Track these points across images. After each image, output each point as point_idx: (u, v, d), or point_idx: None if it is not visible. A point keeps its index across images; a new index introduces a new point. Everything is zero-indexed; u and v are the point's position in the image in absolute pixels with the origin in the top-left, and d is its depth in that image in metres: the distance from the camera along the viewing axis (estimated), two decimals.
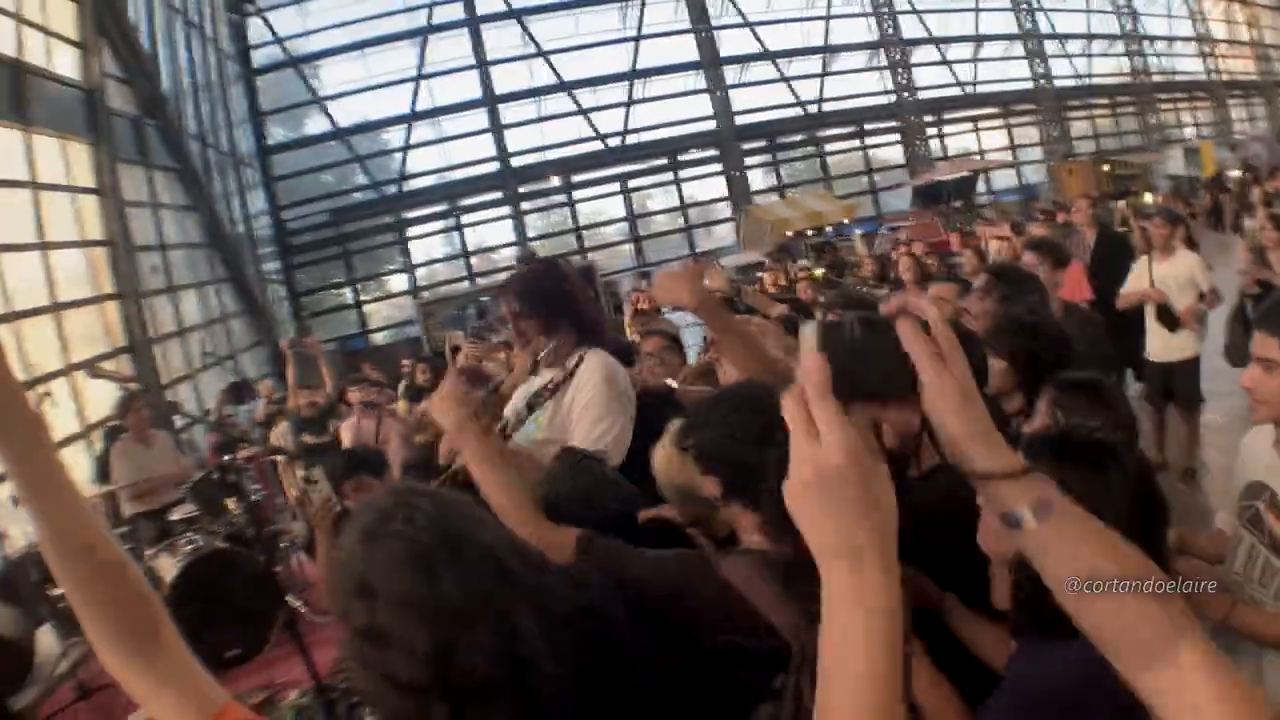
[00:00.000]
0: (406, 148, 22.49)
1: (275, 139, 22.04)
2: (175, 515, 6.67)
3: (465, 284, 22.57)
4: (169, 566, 5.94)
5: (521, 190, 23.08)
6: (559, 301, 3.00)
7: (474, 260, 23.54)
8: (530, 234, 23.38)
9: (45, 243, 10.49)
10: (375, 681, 1.36)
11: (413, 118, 22.26)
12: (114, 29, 12.77)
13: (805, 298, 8.33)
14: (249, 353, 16.36)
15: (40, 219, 10.46)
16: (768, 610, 1.76)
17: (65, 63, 11.80)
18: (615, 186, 24.34)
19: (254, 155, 20.74)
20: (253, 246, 18.64)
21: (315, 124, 22.44)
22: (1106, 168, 24.10)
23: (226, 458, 6.87)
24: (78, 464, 8.98)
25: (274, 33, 21.46)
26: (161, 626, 1.26)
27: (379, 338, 22.72)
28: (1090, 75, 28.63)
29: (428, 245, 23.90)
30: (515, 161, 23.00)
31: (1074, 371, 2.50)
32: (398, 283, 23.82)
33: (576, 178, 23.74)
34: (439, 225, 23.56)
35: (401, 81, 22.08)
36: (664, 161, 24.58)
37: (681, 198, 25.07)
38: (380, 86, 22.11)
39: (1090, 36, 28.49)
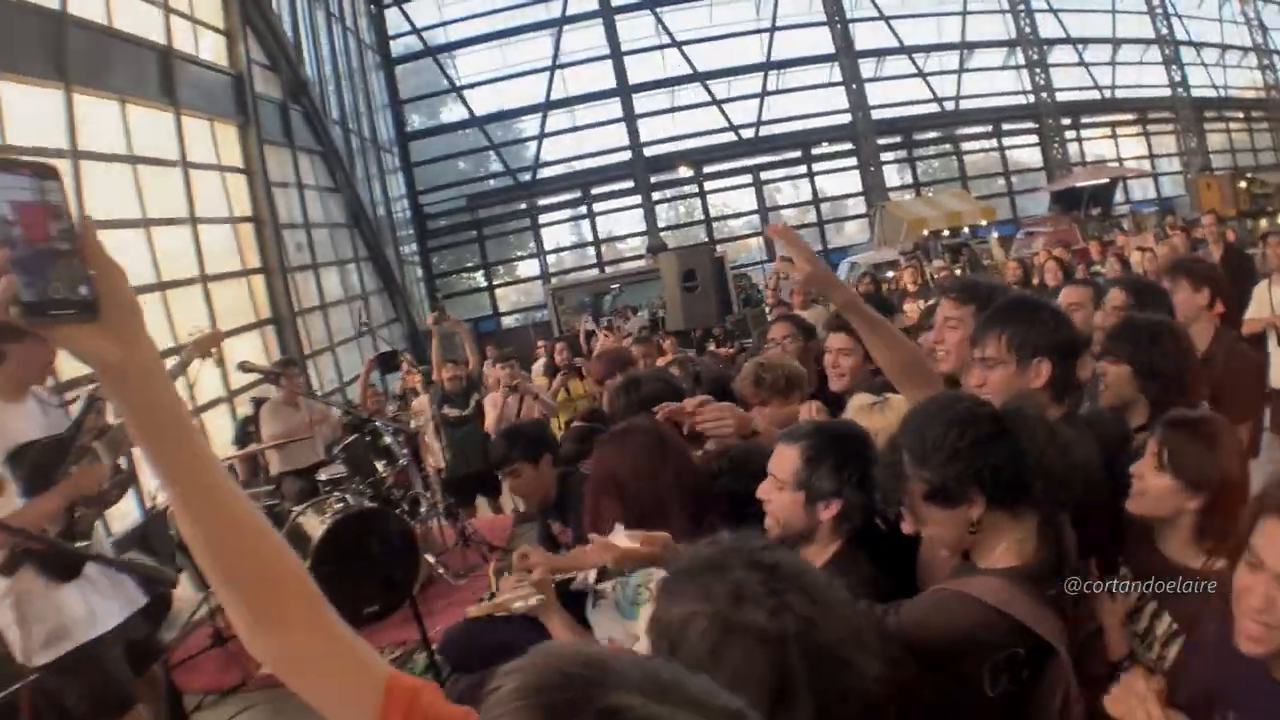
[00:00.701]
0: (541, 136, 22.75)
1: (414, 126, 22.55)
2: (323, 475, 6.81)
3: (594, 271, 22.72)
4: (317, 524, 6.05)
5: (653, 180, 23.01)
6: None
7: (604, 248, 23.63)
8: (660, 224, 23.33)
9: (195, 218, 10.89)
10: None
11: (547, 107, 22.48)
12: (258, 19, 13.23)
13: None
14: (385, 329, 16.76)
15: (190, 196, 10.86)
16: (1032, 621, 1.80)
17: (212, 50, 12.28)
18: (747, 178, 24.05)
19: (393, 141, 21.28)
20: (392, 229, 19.13)
21: (452, 112, 22.87)
22: (1244, 184, 22.57)
23: (379, 422, 7.21)
24: (220, 427, 9.43)
25: (411, 23, 21.98)
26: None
27: (508, 321, 23.09)
28: (1226, 86, 26.83)
29: (558, 232, 24.12)
30: (647, 151, 22.93)
31: (1186, 411, 2.30)
32: (527, 268, 24.11)
33: (708, 168, 23.58)
34: (570, 213, 23.71)
35: (536, 71, 22.34)
36: (797, 154, 24.17)
37: (814, 191, 24.63)
38: (515, 76, 22.41)
39: (1224, 47, 26.67)
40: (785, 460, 2.25)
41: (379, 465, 7.13)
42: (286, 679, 1.19)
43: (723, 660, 1.19)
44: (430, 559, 6.83)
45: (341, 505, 6.25)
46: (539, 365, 10.36)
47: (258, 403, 7.72)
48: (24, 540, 2.92)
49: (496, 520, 8.45)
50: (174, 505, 1.09)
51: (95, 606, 3.35)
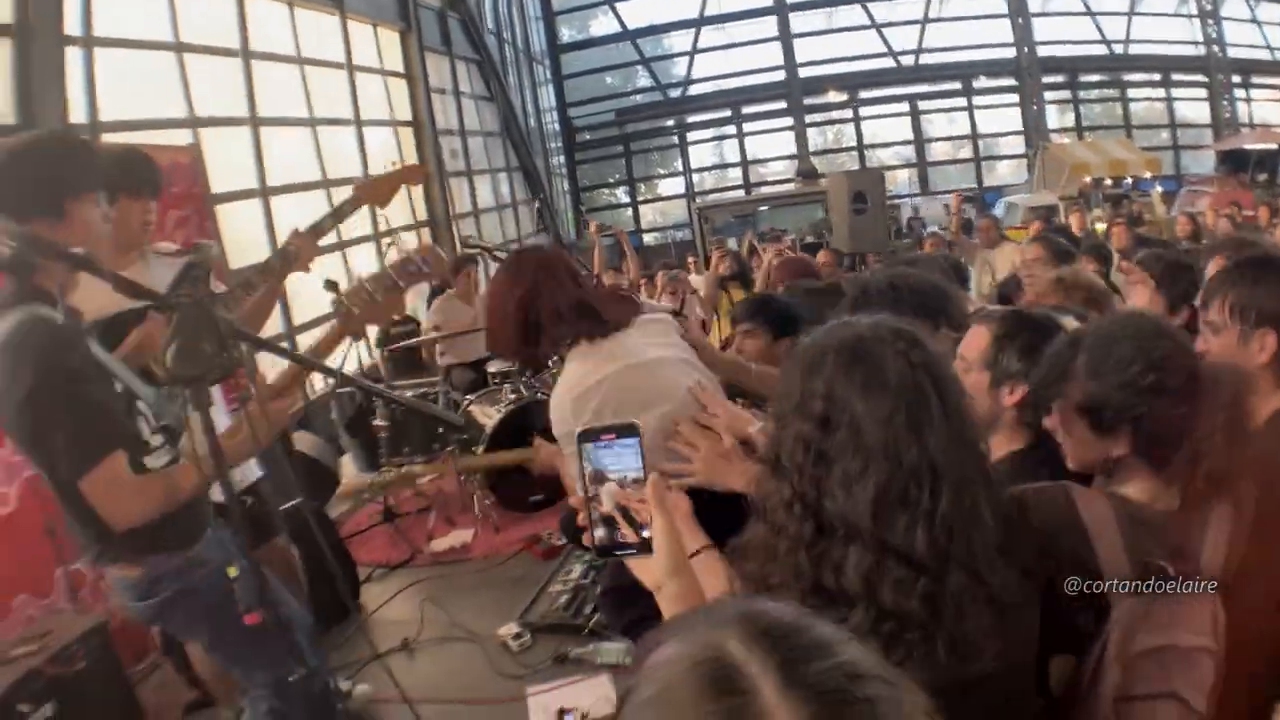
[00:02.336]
0: (693, 52, 21.96)
1: (565, 38, 22.04)
2: (492, 368, 6.74)
3: (739, 193, 22.03)
4: (490, 413, 6.00)
5: (805, 103, 22.01)
6: None
7: (751, 170, 22.84)
8: (810, 148, 22.36)
9: (359, 120, 10.85)
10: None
11: (700, 22, 21.64)
12: None
13: (1120, 246, 7.59)
14: (532, 239, 16.59)
15: (355, 98, 10.83)
16: (1106, 556, 1.57)
17: None
18: (903, 107, 22.77)
19: (545, 53, 20.89)
20: (542, 140, 18.86)
21: (603, 25, 22.26)
22: None
23: None
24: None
25: None
26: None
27: (649, 238, 22.64)
28: None
29: (702, 150, 23.42)
30: (801, 73, 21.89)
31: None
32: (669, 186, 23.57)
33: (863, 94, 22.41)
34: (718, 132, 22.96)
35: None
36: (956, 86, 22.71)
37: (972, 126, 23.16)
38: None
39: None
40: (975, 339, 2.18)
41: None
42: None
43: None
44: None
45: (515, 396, 6.15)
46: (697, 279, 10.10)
47: (436, 292, 7.79)
48: None
49: None
50: None
51: None
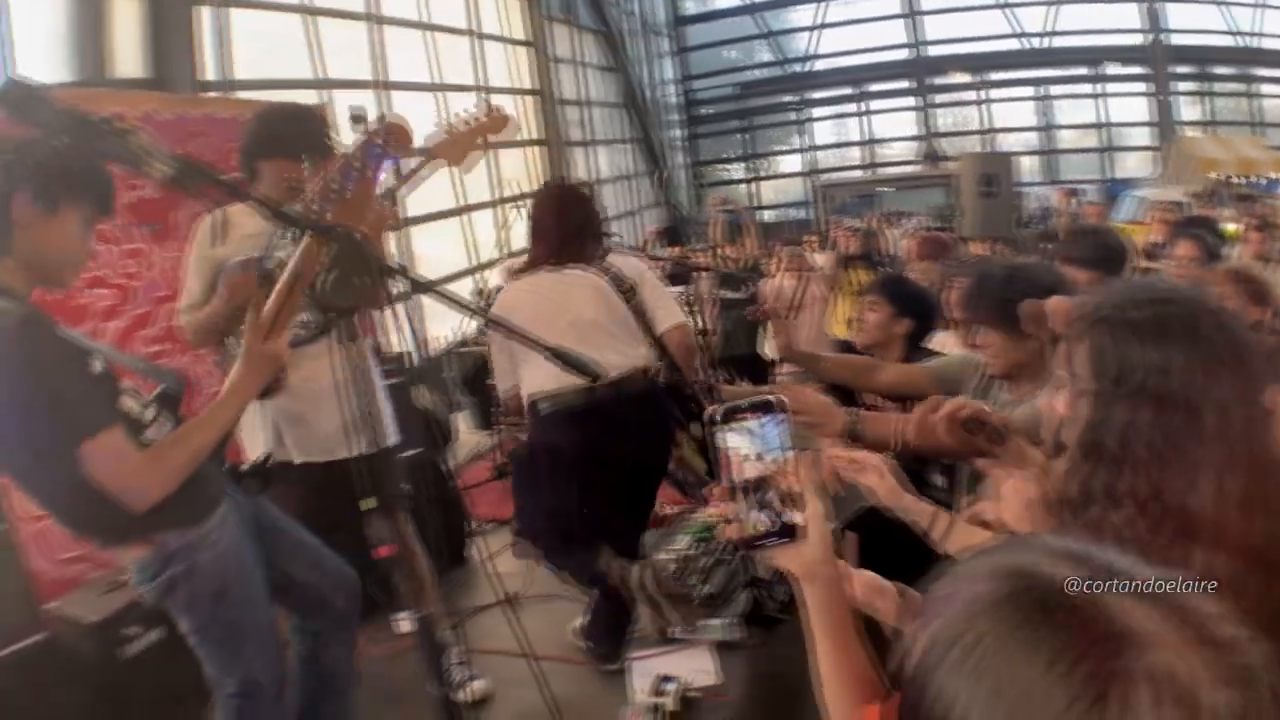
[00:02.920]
0: (817, 27, 21.41)
1: (688, 11, 21.78)
2: None
3: (859, 172, 21.51)
4: None
5: (930, 83, 21.27)
6: None
7: (872, 151, 22.20)
8: (935, 130, 21.61)
9: (483, 87, 10.92)
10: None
11: None
12: None
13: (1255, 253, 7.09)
14: (650, 211, 16.50)
15: (479, 65, 10.91)
16: None
17: None
18: (1029, 91, 21.76)
19: (668, 25, 20.68)
20: (661, 112, 18.73)
21: None
22: None
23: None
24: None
25: None
26: None
27: (766, 215, 22.27)
28: None
29: (822, 129, 22.89)
30: (927, 52, 21.14)
31: None
32: (787, 164, 23.12)
33: (991, 76, 21.52)
34: (839, 110, 22.39)
35: None
36: (1085, 71, 21.60)
37: (1104, 115, 21.96)
38: None
39: None
40: None
41: None
42: None
43: None
44: None
45: None
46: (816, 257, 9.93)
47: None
48: None
49: None
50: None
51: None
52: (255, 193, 1.81)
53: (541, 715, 3.41)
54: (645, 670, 3.64)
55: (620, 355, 3.51)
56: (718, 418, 1.15)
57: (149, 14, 5.53)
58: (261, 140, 2.99)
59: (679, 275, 7.54)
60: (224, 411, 2.24)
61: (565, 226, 3.59)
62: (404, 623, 4.05)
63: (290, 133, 2.95)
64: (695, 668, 3.66)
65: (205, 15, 6.16)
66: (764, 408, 1.14)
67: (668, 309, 3.76)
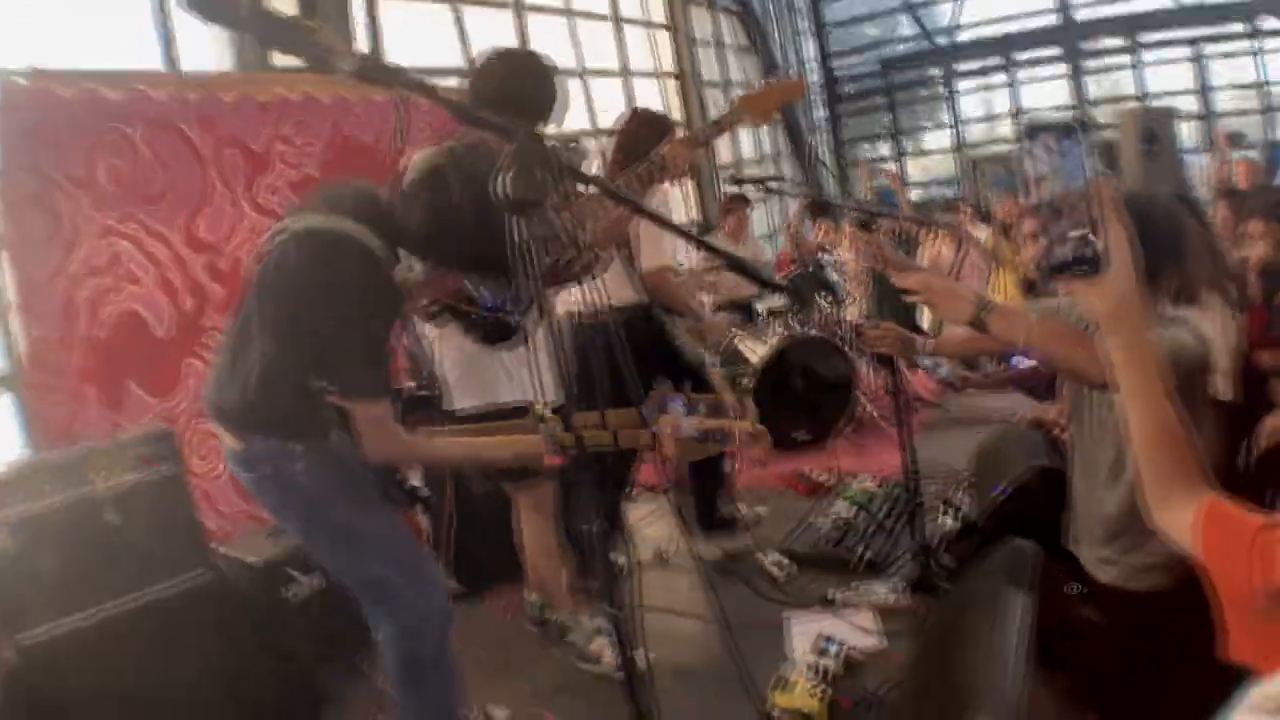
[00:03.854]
0: None
1: None
2: (761, 306, 6.80)
3: (1013, 145, 20.56)
4: (759, 347, 6.02)
5: (1080, 48, 20.12)
6: None
7: (1026, 119, 21.17)
8: (1090, 98, 20.44)
9: (625, 71, 10.91)
10: None
11: None
12: None
13: None
14: (795, 189, 16.25)
15: (621, 50, 10.89)
16: None
17: None
18: (1184, 52, 20.32)
19: (806, 3, 20.29)
20: (804, 92, 18.42)
21: None
22: None
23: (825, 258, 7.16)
24: None
25: None
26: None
27: (914, 194, 21.57)
28: None
29: (972, 101, 22.01)
30: (1076, 16, 20.02)
31: None
32: (935, 140, 22.34)
33: (1143, 38, 20.21)
34: (986, 81, 21.49)
35: None
36: (1240, 27, 19.97)
37: (1262, 72, 20.20)
38: None
39: None
40: None
41: (821, 300, 6.85)
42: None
43: None
44: (863, 399, 6.52)
45: (786, 332, 6.12)
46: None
47: (701, 229, 7.76)
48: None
49: (921, 377, 7.78)
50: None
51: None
52: (444, 94, 1.77)
53: (696, 673, 3.37)
54: (805, 630, 3.51)
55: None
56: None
57: (304, 3, 5.69)
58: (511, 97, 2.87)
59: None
60: (484, 450, 2.46)
61: None
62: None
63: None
64: (858, 630, 3.50)
65: (357, 4, 6.32)
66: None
67: (648, 251, 3.80)
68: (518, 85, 2.88)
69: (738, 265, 2.20)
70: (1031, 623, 2.06)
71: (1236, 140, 10.61)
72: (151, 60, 4.94)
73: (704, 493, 4.38)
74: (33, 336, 3.51)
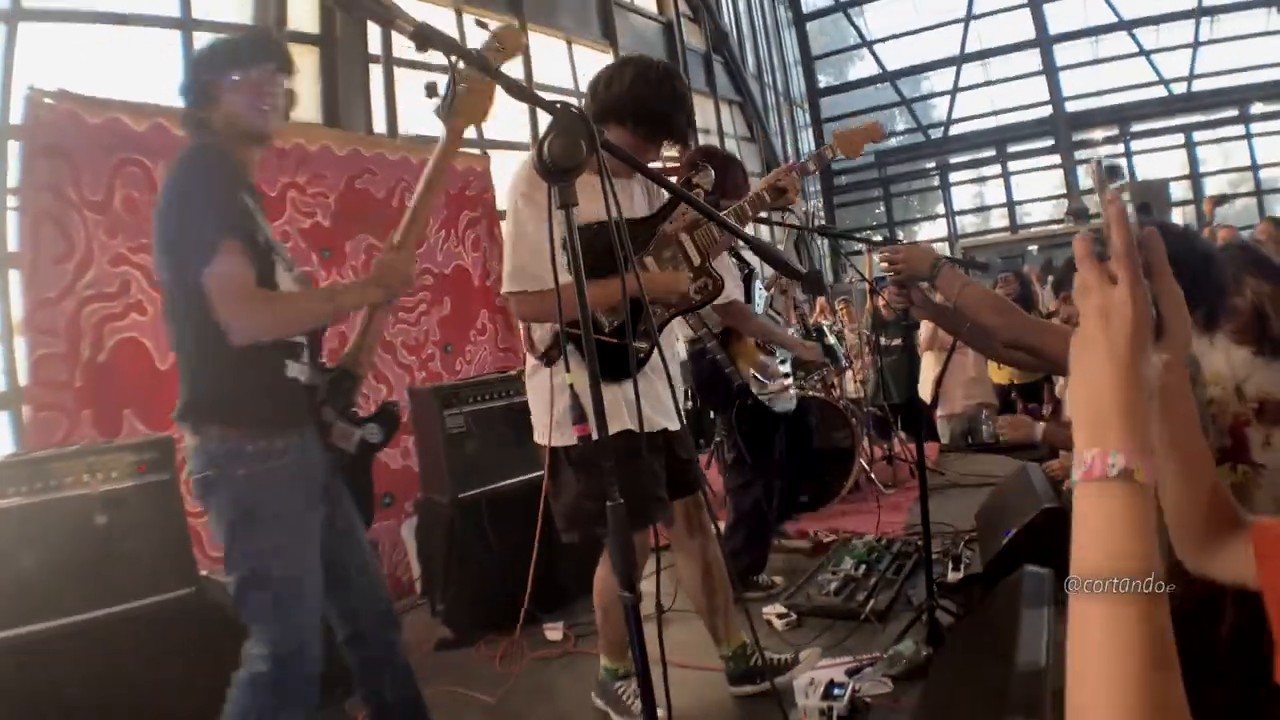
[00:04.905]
0: (954, 90, 21.03)
1: (824, 83, 21.75)
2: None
3: (1005, 233, 20.81)
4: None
5: (1075, 139, 20.48)
6: None
7: (1016, 211, 21.46)
8: (1081, 187, 20.75)
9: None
10: None
11: (961, 60, 20.72)
12: None
13: None
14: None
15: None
16: None
17: None
18: (1177, 139, 20.70)
19: (804, 97, 20.70)
20: (801, 184, 18.64)
21: (860, 69, 21.77)
22: None
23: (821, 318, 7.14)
24: None
25: None
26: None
27: None
28: None
29: (966, 192, 22.29)
30: (1068, 107, 20.42)
31: None
32: (930, 230, 22.59)
33: (1134, 127, 20.62)
34: (980, 173, 21.81)
35: (950, 23, 20.52)
36: (1233, 113, 20.46)
37: (1252, 157, 20.68)
38: (927, 29, 20.66)
39: None
40: None
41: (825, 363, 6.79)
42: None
43: None
44: (863, 463, 6.51)
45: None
46: None
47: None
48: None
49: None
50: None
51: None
52: (498, 69, 1.77)
53: None
54: (811, 677, 3.38)
55: None
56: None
57: (324, 66, 5.81)
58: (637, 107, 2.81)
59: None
60: (343, 296, 2.46)
61: None
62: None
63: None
64: (865, 675, 3.38)
65: (376, 71, 6.46)
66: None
67: (730, 283, 3.81)
68: (642, 92, 2.79)
69: (763, 251, 2.17)
70: (1054, 634, 1.98)
71: (1219, 202, 10.69)
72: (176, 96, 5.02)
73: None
74: (37, 354, 3.47)
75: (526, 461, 3.05)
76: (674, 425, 2.97)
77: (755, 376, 4.38)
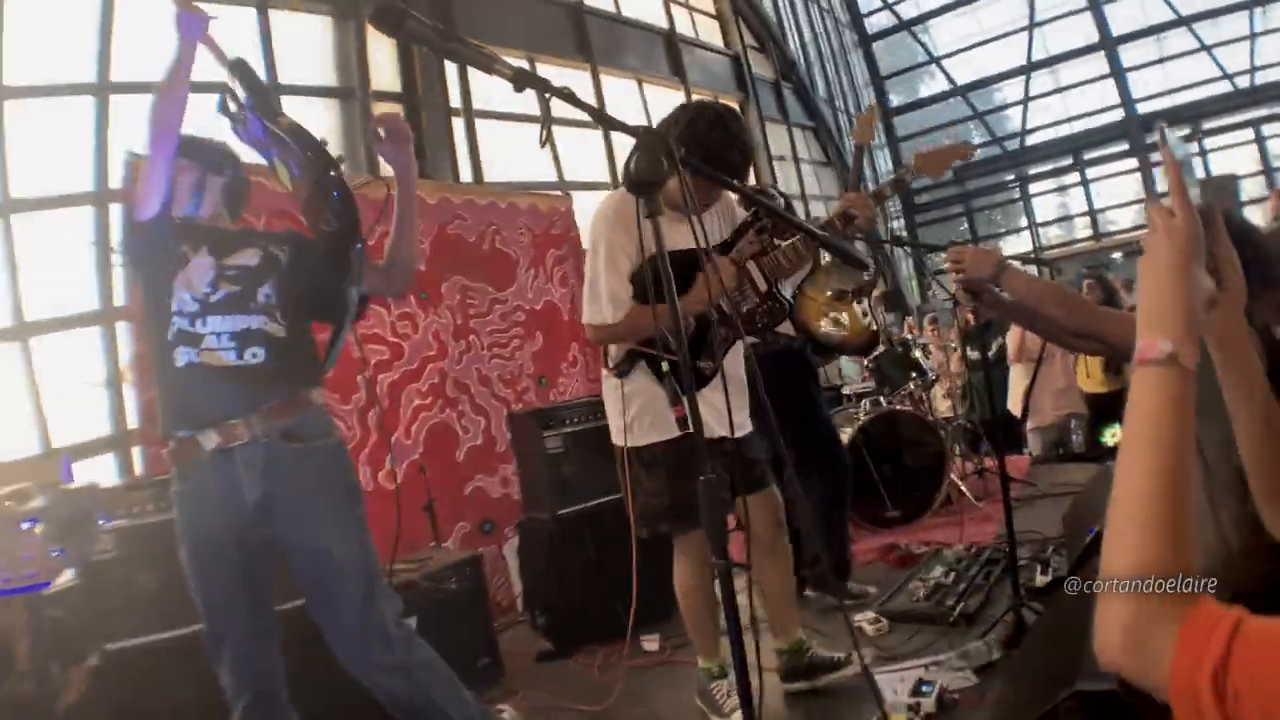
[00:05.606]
0: (1026, 100, 20.72)
1: (895, 102, 21.62)
2: (847, 390, 6.95)
3: (1089, 242, 20.33)
4: (847, 428, 6.03)
5: (1149, 140, 19.95)
6: None
7: (1098, 218, 20.94)
8: (1158, 189, 20.05)
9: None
10: None
11: (1029, 69, 20.42)
12: (745, 5, 13.55)
13: None
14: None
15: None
16: None
17: (707, 34, 12.73)
18: (1248, 134, 20.02)
19: (879, 117, 20.56)
20: (881, 205, 18.48)
21: (930, 85, 21.56)
22: None
23: (909, 335, 7.22)
24: None
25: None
26: None
27: None
28: None
29: (1048, 203, 21.82)
30: (1141, 108, 19.93)
31: None
32: (1014, 244, 22.12)
33: (1207, 124, 19.98)
34: (1060, 182, 21.34)
35: (1014, 32, 20.13)
36: None
37: None
38: (993, 40, 20.36)
39: None
40: None
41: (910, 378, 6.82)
42: None
43: None
44: (955, 477, 6.45)
45: (874, 406, 6.21)
46: None
47: None
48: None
49: (1014, 459, 7.68)
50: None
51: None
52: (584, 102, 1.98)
53: None
54: (901, 676, 3.45)
55: None
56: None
57: (411, 122, 6.12)
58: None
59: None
60: None
61: None
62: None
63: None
64: (951, 671, 3.43)
65: (458, 123, 6.77)
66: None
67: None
68: (697, 133, 2.91)
69: (832, 244, 2.30)
70: None
71: None
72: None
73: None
74: (150, 395, 3.74)
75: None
76: (735, 432, 3.07)
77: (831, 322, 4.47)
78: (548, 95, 1.81)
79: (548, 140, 2.58)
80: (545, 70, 8.28)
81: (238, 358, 2.50)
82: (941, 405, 7.91)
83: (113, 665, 2.86)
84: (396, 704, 2.63)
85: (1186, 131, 17.03)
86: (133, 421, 4.17)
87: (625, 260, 2.98)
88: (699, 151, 2.83)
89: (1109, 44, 19.56)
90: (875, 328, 4.92)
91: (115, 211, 4.29)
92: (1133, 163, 19.90)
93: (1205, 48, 19.27)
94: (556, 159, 8.17)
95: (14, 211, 4.55)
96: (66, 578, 2.99)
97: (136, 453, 4.15)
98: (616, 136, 9.31)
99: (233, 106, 2.57)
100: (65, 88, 4.94)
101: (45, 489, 2.66)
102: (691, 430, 1.86)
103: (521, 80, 1.78)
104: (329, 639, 2.59)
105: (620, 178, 1.97)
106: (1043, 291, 2.86)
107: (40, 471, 3.40)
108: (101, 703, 2.82)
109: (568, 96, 1.86)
